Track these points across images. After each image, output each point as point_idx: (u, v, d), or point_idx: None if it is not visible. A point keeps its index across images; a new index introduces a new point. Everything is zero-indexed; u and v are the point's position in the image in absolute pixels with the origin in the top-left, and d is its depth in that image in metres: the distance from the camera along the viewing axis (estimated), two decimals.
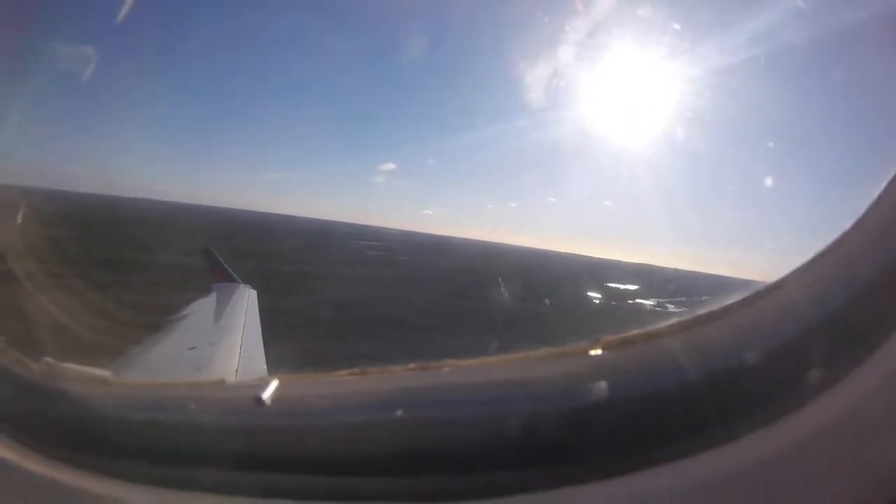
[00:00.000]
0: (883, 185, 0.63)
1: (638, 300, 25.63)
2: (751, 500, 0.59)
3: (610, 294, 26.41)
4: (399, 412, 0.75)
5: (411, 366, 0.81)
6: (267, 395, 0.82)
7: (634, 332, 0.72)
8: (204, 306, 5.81)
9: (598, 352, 0.72)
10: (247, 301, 5.81)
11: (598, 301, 22.41)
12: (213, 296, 6.21)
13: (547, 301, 19.22)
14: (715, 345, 0.68)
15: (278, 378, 0.86)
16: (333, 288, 17.42)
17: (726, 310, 0.70)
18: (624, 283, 33.08)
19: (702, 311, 0.70)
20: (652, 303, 25.18)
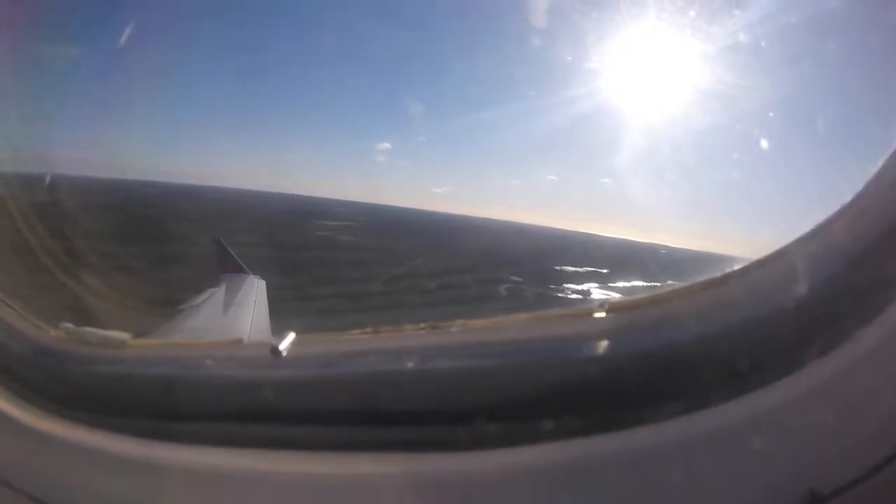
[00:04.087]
0: (888, 153, 0.65)
1: (568, 286, 23.42)
2: (750, 455, 0.61)
3: (543, 278, 24.25)
4: (410, 364, 0.78)
5: (422, 325, 0.83)
6: (283, 346, 0.84)
7: (639, 296, 0.75)
8: (212, 297, 5.75)
9: (602, 314, 0.75)
10: (255, 293, 5.82)
11: (509, 286, 20.25)
12: (223, 287, 6.17)
13: (432, 285, 17.38)
14: (728, 306, 0.70)
15: (294, 333, 0.87)
16: (181, 268, 15.96)
17: (739, 273, 0.72)
18: (582, 266, 30.83)
19: (708, 277, 0.71)
20: (583, 288, 22.97)
